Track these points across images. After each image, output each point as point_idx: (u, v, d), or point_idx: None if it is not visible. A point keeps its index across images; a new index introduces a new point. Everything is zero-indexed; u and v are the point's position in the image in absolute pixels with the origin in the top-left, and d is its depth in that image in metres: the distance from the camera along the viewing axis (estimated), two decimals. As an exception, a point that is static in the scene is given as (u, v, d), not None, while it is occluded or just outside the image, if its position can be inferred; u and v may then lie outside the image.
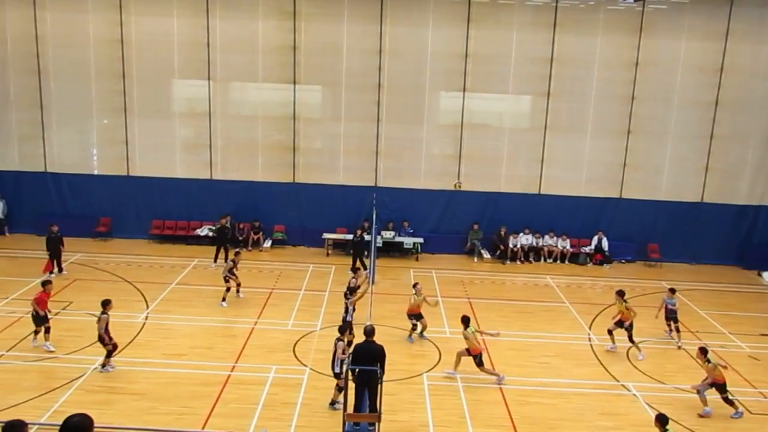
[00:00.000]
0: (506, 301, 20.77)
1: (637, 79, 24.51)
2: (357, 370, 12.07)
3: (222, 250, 22.83)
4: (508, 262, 24.81)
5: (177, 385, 14.24)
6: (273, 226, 25.46)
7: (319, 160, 25.56)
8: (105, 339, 14.43)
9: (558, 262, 25.19)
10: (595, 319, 19.40)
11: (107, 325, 14.48)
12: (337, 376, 13.26)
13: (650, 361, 16.56)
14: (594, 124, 25.01)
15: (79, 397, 13.41)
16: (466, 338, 15.04)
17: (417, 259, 24.54)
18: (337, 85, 24.81)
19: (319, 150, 25.75)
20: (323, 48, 24.53)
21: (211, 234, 24.70)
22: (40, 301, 15.30)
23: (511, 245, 24.94)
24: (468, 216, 25.31)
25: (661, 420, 11.42)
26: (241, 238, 24.80)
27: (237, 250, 20.70)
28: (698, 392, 14.03)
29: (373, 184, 25.10)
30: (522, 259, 25.02)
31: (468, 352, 15.00)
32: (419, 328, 17.38)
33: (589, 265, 25.02)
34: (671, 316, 17.82)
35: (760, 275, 24.50)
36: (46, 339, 15.41)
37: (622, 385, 15.25)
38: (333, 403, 13.26)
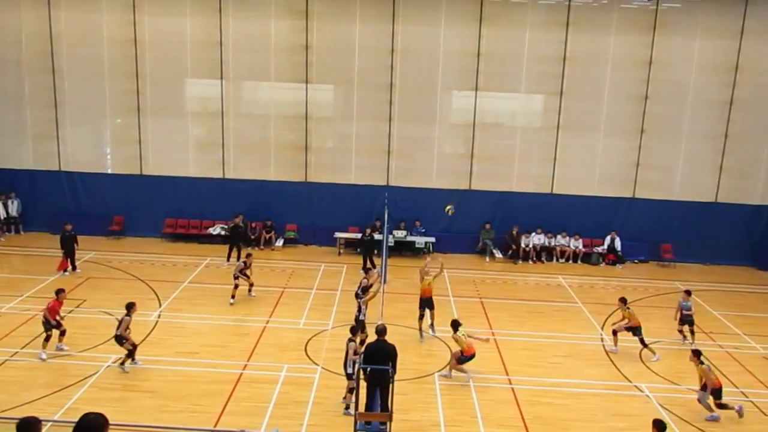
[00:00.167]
0: (518, 301, 20.71)
1: (650, 78, 24.37)
2: (368, 369, 12.07)
3: (235, 249, 22.91)
4: (520, 261, 24.74)
5: (189, 383, 14.30)
6: (285, 225, 25.51)
7: (331, 159, 25.59)
8: (124, 340, 14.45)
9: (570, 262, 25.09)
10: (607, 319, 19.29)
11: (128, 326, 14.55)
12: (349, 377, 13.25)
13: (663, 362, 16.45)
14: (607, 124, 24.88)
15: (92, 395, 13.50)
16: (456, 341, 15.03)
17: (429, 253, 24.49)
18: (349, 84, 24.83)
19: (331, 149, 25.78)
20: (335, 47, 24.55)
21: (223, 233, 24.80)
22: (52, 310, 15.24)
23: (523, 245, 24.87)
24: (480, 215, 25.25)
25: (659, 426, 11.27)
26: (253, 237, 24.88)
27: (249, 252, 20.74)
28: (699, 401, 13.84)
29: (384, 184, 25.10)
30: (534, 258, 24.95)
31: (461, 353, 14.92)
32: (428, 321, 17.36)
33: (601, 265, 24.91)
34: (687, 319, 17.45)
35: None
36: (60, 340, 15.46)
37: (635, 386, 15.17)
38: (347, 407, 13.22)
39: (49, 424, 11.91)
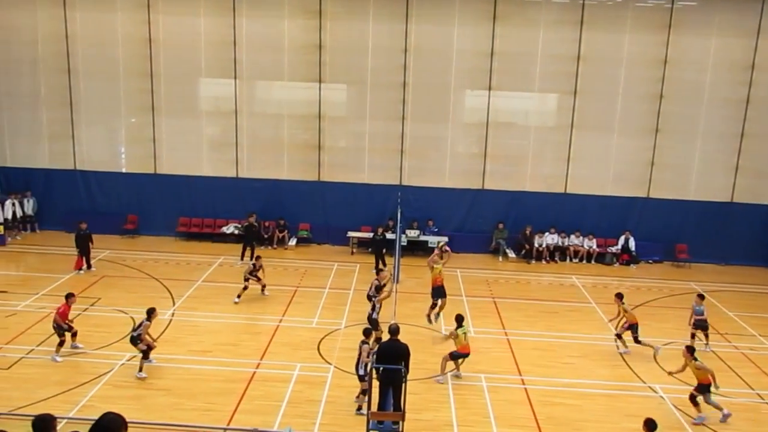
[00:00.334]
0: (531, 301, 20.64)
1: (665, 76, 24.21)
2: (381, 368, 12.07)
3: (248, 249, 22.98)
4: (534, 261, 24.67)
5: (203, 381, 14.36)
6: (298, 225, 25.57)
7: (344, 158, 25.62)
8: (139, 341, 14.40)
9: (584, 262, 24.98)
10: (622, 320, 19.16)
11: (147, 331, 14.59)
12: (361, 378, 13.26)
13: (678, 363, 16.29)
14: (621, 123, 24.74)
15: (106, 392, 13.59)
16: (456, 337, 14.93)
17: (441, 258, 24.43)
18: (362, 83, 24.84)
19: (344, 148, 25.80)
20: (348, 46, 24.57)
21: (237, 232, 24.89)
22: (63, 315, 15.21)
23: (536, 245, 24.78)
24: (493, 215, 25.19)
25: (650, 425, 11.24)
26: (266, 236, 24.96)
27: (258, 255, 20.78)
28: (707, 403, 13.74)
29: (397, 183, 25.10)
30: (547, 258, 24.86)
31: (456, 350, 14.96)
32: (437, 309, 17.49)
33: (615, 265, 24.78)
34: (700, 325, 17.07)
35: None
36: (74, 340, 15.51)
37: (649, 387, 15.08)
38: (359, 408, 13.22)
39: (64, 421, 11.99)
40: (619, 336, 16.91)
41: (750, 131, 24.46)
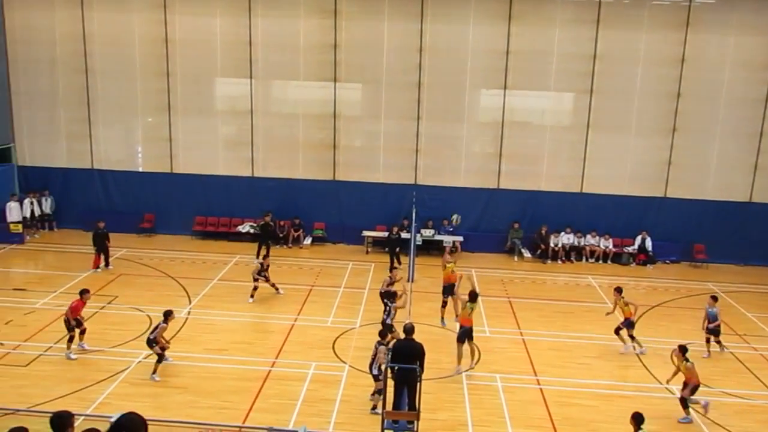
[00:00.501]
0: (547, 301, 20.55)
1: (682, 75, 24.00)
2: (396, 368, 12.06)
3: (264, 247, 23.06)
4: (549, 261, 24.56)
5: (218, 379, 14.43)
6: (313, 224, 25.62)
7: (359, 157, 25.62)
8: (155, 343, 14.38)
9: (600, 262, 24.84)
10: (637, 320, 19.01)
11: (162, 333, 14.58)
12: (376, 378, 13.26)
13: (696, 365, 16.15)
14: (638, 122, 24.57)
15: (123, 390, 13.69)
16: (462, 308, 15.63)
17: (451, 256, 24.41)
18: (377, 82, 24.84)
19: (359, 148, 25.81)
20: (364, 46, 24.58)
21: (252, 231, 24.98)
22: (74, 310, 15.19)
23: (552, 244, 24.67)
24: (508, 215, 25.11)
25: (637, 419, 11.23)
26: (282, 236, 25.03)
27: (265, 254, 20.76)
28: (701, 404, 13.71)
29: (412, 182, 25.07)
30: (563, 258, 24.74)
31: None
32: (454, 305, 17.57)
33: (632, 265, 24.62)
34: (712, 331, 16.68)
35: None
36: (81, 339, 15.50)
37: (666, 388, 14.95)
38: (374, 407, 13.23)
39: (81, 418, 12.07)
40: (631, 337, 16.77)
41: (769, 130, 24.24)
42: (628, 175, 24.94)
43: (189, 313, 18.21)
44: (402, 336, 12.96)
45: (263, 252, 22.88)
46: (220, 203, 25.78)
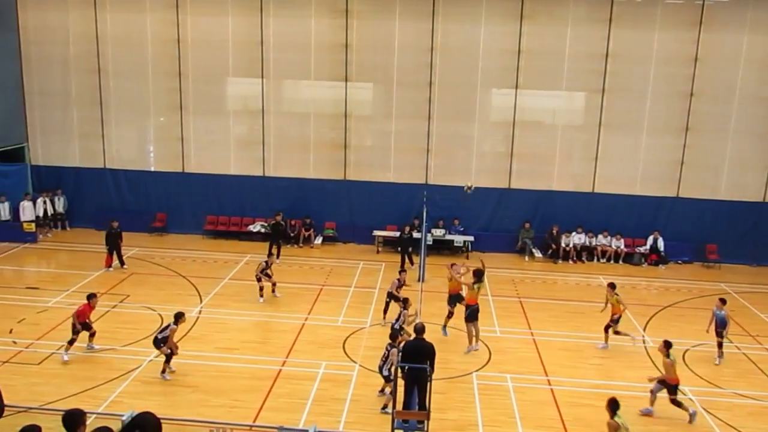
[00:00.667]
0: (558, 301, 20.48)
1: (696, 74, 23.85)
2: (406, 367, 12.06)
3: (275, 246, 23.11)
4: (560, 261, 24.48)
5: (229, 378, 14.48)
6: (324, 223, 25.65)
7: (370, 157, 25.63)
8: (162, 344, 14.28)
9: (612, 262, 24.73)
10: (649, 320, 19.00)
11: (173, 335, 14.47)
12: (387, 379, 13.26)
13: (708, 365, 16.11)
14: (650, 121, 24.44)
15: (135, 388, 13.76)
16: (470, 289, 16.10)
17: (467, 258, 24.37)
18: (388, 82, 24.84)
19: (370, 147, 25.82)
20: (375, 45, 24.59)
21: (263, 230, 25.05)
22: (81, 314, 15.09)
23: (563, 244, 24.59)
24: (520, 214, 25.04)
25: (612, 406, 11.28)
26: (293, 235, 25.08)
27: (270, 252, 20.73)
28: (651, 392, 13.73)
29: (423, 182, 25.05)
30: (574, 258, 24.65)
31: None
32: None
33: (643, 265, 24.50)
34: (722, 329, 16.33)
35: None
36: (90, 341, 15.46)
37: (678, 389, 14.85)
38: (384, 407, 13.23)
39: (93, 416, 12.16)
40: (616, 332, 16.84)
41: (783, 130, 24.05)
42: (640, 175, 24.82)
43: (200, 312, 18.29)
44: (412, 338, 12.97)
45: (274, 251, 22.95)
46: (232, 203, 25.87)
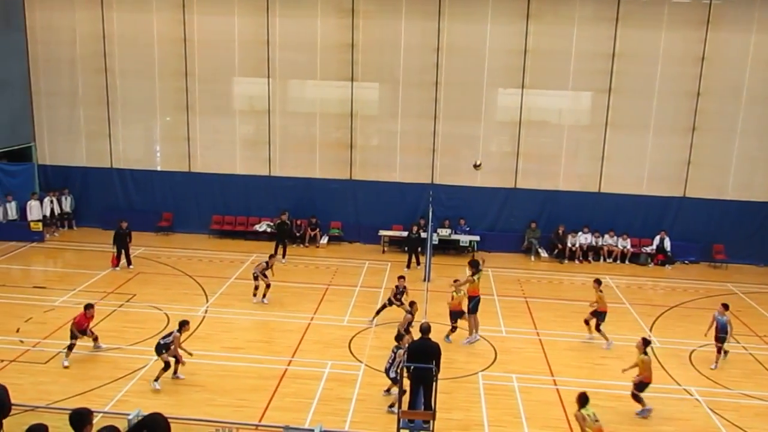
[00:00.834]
0: (564, 301, 20.43)
1: (703, 74, 23.75)
2: (412, 367, 12.06)
3: (281, 246, 23.15)
4: (567, 261, 24.42)
5: (235, 378, 14.50)
6: (330, 223, 25.66)
7: (376, 157, 25.64)
8: (164, 351, 14.00)
9: (618, 262, 24.66)
10: (656, 321, 18.95)
11: (178, 342, 14.25)
12: (394, 381, 13.24)
13: (706, 366, 16.01)
14: (657, 121, 24.35)
15: (141, 387, 13.79)
16: (471, 282, 16.34)
17: (483, 261, 24.25)
18: (394, 82, 24.83)
19: (376, 147, 25.83)
20: (381, 45, 24.59)
21: (269, 230, 25.08)
22: (78, 324, 14.95)
23: (569, 244, 24.53)
24: (526, 214, 25.01)
25: (581, 400, 11.44)
26: (298, 234, 25.11)
27: (272, 254, 20.54)
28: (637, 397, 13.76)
29: (429, 182, 25.04)
30: (581, 258, 24.59)
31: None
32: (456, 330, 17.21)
33: (650, 265, 24.42)
34: (719, 338, 16.02)
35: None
36: (96, 342, 15.39)
37: (684, 389, 14.84)
38: (391, 406, 13.21)
39: (100, 415, 12.19)
40: (586, 321, 17.03)
41: (791, 129, 23.93)
42: (647, 175, 24.74)
43: (206, 311, 18.32)
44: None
45: (280, 250, 22.99)
46: (238, 202, 25.91)
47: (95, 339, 15.42)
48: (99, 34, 25.26)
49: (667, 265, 24.31)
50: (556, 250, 24.62)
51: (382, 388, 13.87)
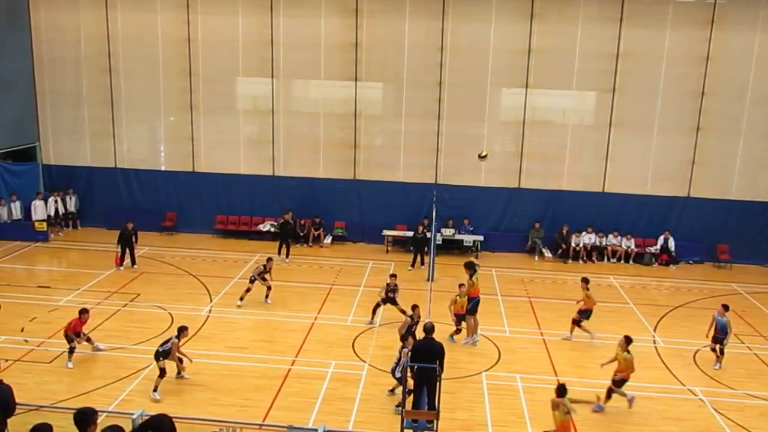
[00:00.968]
0: (567, 301, 20.29)
1: (707, 73, 23.70)
2: (416, 367, 12.06)
3: (284, 245, 23.16)
4: (570, 261, 24.40)
5: (239, 377, 14.52)
6: (333, 223, 25.67)
7: (379, 156, 25.64)
8: (161, 357, 13.76)
9: (622, 262, 24.63)
10: (660, 321, 18.91)
11: (177, 349, 14.10)
12: (399, 381, 13.24)
13: (709, 366, 15.98)
14: (661, 121, 24.31)
15: (145, 387, 13.80)
16: (471, 285, 16.28)
17: (477, 257, 24.34)
18: (398, 81, 24.83)
19: (380, 147, 25.82)
20: (385, 45, 24.59)
21: (273, 230, 25.10)
22: (72, 329, 14.75)
23: (573, 244, 24.50)
24: (529, 214, 24.99)
25: (560, 391, 11.66)
26: (302, 234, 25.12)
27: (269, 256, 20.20)
28: (619, 394, 13.85)
29: (433, 182, 25.03)
30: (584, 258, 24.56)
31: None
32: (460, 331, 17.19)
33: (654, 265, 24.37)
34: (718, 339, 15.93)
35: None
36: (91, 342, 15.28)
37: (689, 390, 14.82)
38: (399, 405, 13.19)
39: (104, 415, 12.22)
40: (578, 324, 17.11)
41: (796, 129, 23.87)
42: (651, 175, 24.70)
43: (210, 311, 18.34)
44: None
45: (284, 250, 23.02)
46: (242, 202, 25.93)
47: (88, 340, 15.25)
48: (103, 34, 25.31)
49: (671, 265, 24.27)
50: (560, 250, 24.60)
51: (386, 387, 13.88)
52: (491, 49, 24.30)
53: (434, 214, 21.50)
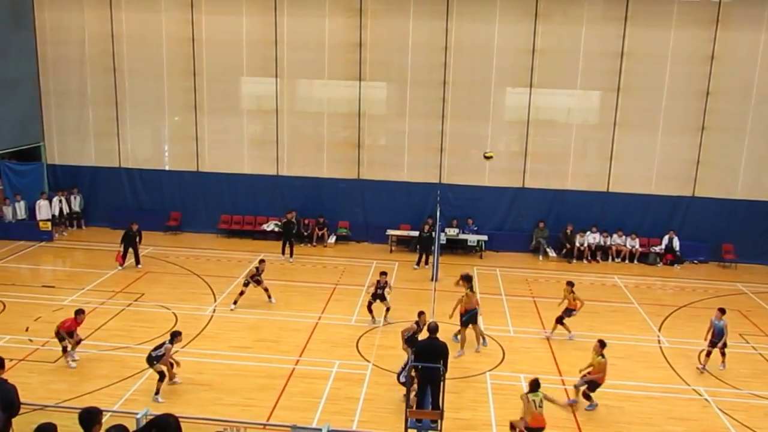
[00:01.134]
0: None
1: (712, 73, 23.63)
2: (420, 367, 12.05)
3: (288, 245, 23.17)
4: (575, 261, 24.35)
5: (243, 377, 14.52)
6: (337, 222, 25.67)
7: (383, 156, 25.63)
8: (155, 361, 13.60)
9: (626, 261, 24.57)
10: (665, 320, 18.87)
11: (171, 355, 13.91)
12: (404, 385, 13.19)
13: (712, 365, 15.92)
14: (666, 120, 24.25)
15: (149, 386, 13.79)
16: (468, 297, 16.11)
17: (481, 257, 24.34)
18: (402, 81, 24.82)
19: (384, 146, 25.81)
20: (389, 45, 24.57)
21: (277, 229, 25.11)
22: (67, 329, 14.56)
23: (577, 244, 24.46)
24: (534, 214, 24.96)
25: (532, 385, 11.80)
26: (306, 234, 25.12)
27: (261, 258, 19.91)
28: (575, 386, 13.95)
29: (437, 181, 25.01)
30: (589, 258, 24.52)
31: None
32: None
33: (659, 265, 24.31)
34: (715, 342, 15.64)
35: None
36: (74, 348, 14.87)
37: (694, 389, 14.78)
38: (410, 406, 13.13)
39: (108, 414, 12.24)
40: (561, 321, 17.11)
41: (801, 128, 23.79)
42: (656, 174, 24.64)
43: (214, 310, 18.36)
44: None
45: (287, 249, 23.03)
46: (246, 202, 25.95)
47: (78, 342, 14.87)
48: (108, 34, 25.35)
49: (676, 265, 24.21)
50: (565, 250, 24.56)
51: (390, 387, 13.86)
52: (495, 49, 24.27)
53: (438, 213, 21.48)
